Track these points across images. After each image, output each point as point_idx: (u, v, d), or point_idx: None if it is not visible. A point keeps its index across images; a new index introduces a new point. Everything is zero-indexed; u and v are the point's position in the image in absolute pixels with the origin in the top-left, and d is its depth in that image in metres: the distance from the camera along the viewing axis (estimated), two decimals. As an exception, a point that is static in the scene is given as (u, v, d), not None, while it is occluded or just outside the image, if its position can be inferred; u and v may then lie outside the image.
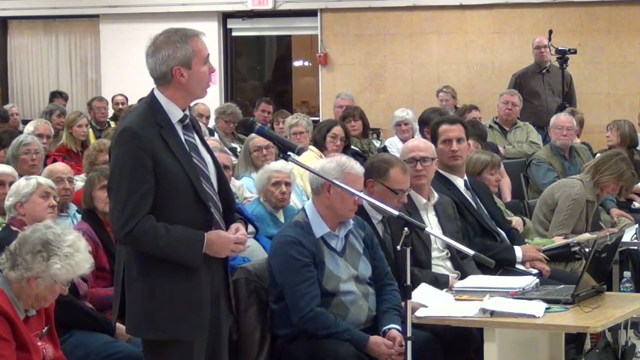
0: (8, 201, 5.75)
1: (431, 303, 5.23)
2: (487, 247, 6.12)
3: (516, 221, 7.20)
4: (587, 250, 6.79)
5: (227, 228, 4.23)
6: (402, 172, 5.69)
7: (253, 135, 5.96)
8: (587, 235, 7.05)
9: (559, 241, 7.03)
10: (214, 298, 4.20)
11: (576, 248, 6.99)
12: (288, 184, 6.87)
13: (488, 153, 7.55)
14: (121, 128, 4.16)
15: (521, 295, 5.29)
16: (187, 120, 4.21)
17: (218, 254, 4.16)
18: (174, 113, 4.16)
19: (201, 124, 7.09)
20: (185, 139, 4.17)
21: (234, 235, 4.17)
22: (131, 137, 4.05)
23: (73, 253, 4.37)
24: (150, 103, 4.17)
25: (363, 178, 5.39)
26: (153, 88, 4.21)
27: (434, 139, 6.55)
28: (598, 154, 8.63)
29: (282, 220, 6.85)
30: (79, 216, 6.70)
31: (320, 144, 8.82)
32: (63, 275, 4.35)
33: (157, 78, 4.15)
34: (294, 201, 7.51)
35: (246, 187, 7.85)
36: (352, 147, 9.41)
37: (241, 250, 4.27)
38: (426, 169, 5.98)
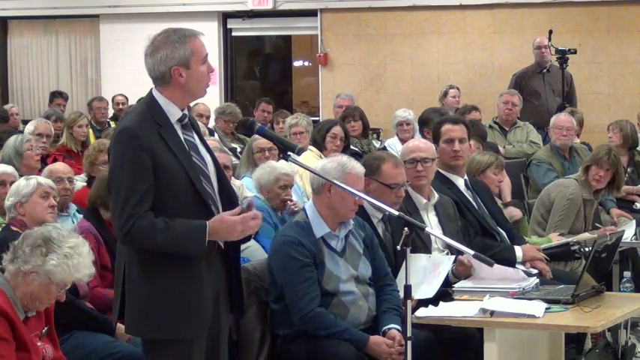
0: (8, 201, 5.74)
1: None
2: (487, 247, 6.12)
3: (509, 212, 7.18)
4: (586, 249, 6.78)
5: None
6: (394, 166, 5.69)
7: (257, 136, 5.96)
8: (586, 235, 7.05)
9: (555, 239, 7.00)
10: (214, 297, 4.20)
11: (576, 247, 6.98)
12: (291, 186, 6.90)
13: (492, 154, 7.54)
14: (119, 128, 4.16)
15: (521, 295, 5.29)
16: (186, 120, 4.21)
17: (227, 239, 4.12)
18: (173, 113, 4.16)
19: (201, 124, 7.09)
20: (184, 139, 4.17)
21: (239, 215, 4.09)
22: (130, 137, 4.04)
23: (73, 255, 4.37)
24: (148, 103, 4.17)
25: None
26: (151, 88, 4.20)
27: (435, 139, 6.55)
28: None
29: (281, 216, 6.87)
30: (79, 216, 6.71)
31: (319, 144, 8.82)
32: (58, 274, 4.35)
33: (156, 78, 4.15)
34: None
35: (246, 187, 7.85)
36: (352, 147, 9.41)
37: (252, 228, 4.14)
38: (427, 169, 5.98)
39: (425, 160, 5.98)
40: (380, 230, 5.67)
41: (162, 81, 4.14)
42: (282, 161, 7.14)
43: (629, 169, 9.32)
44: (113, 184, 4.09)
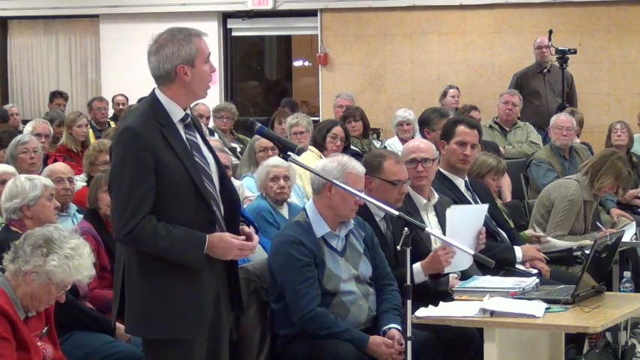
0: (12, 202, 5.64)
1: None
2: (487, 247, 6.10)
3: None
4: (587, 252, 6.77)
5: (231, 226, 4.22)
6: (396, 163, 5.70)
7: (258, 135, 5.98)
8: (587, 242, 7.02)
9: (531, 234, 6.94)
10: (215, 297, 4.20)
11: (578, 253, 6.98)
12: (286, 178, 6.88)
13: (495, 157, 7.51)
14: (121, 128, 4.17)
15: (521, 295, 5.29)
16: (189, 119, 4.21)
17: (220, 257, 4.15)
18: (176, 112, 4.16)
19: (201, 124, 7.09)
20: (187, 138, 4.17)
21: (240, 241, 4.16)
22: (132, 137, 4.05)
23: (74, 256, 4.37)
24: (151, 102, 4.17)
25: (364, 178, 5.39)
26: (154, 88, 4.20)
27: (446, 136, 6.52)
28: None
29: (286, 215, 6.86)
30: (79, 216, 6.70)
31: (320, 144, 8.82)
32: (59, 275, 4.35)
33: (160, 77, 4.15)
34: (295, 201, 7.51)
35: (246, 187, 7.85)
36: (352, 147, 9.41)
37: (246, 255, 4.27)
38: (427, 170, 5.98)
39: (425, 160, 5.98)
40: (383, 228, 5.68)
41: (166, 79, 4.14)
42: (275, 157, 7.16)
43: None
44: (114, 183, 4.09)
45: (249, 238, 4.22)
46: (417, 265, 5.47)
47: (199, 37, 4.17)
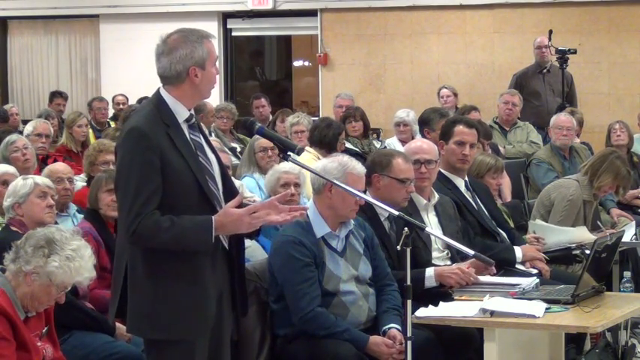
0: (6, 201, 5.74)
1: None
2: (487, 247, 6.12)
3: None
4: (587, 252, 6.78)
5: None
6: (405, 161, 5.71)
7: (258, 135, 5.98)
8: (587, 238, 7.02)
9: (530, 238, 6.96)
10: (218, 298, 4.20)
11: (577, 252, 6.98)
12: (297, 184, 6.86)
13: (492, 156, 7.53)
14: (127, 128, 4.16)
15: (521, 295, 5.29)
16: (193, 119, 4.22)
17: (236, 232, 4.11)
18: (181, 113, 4.17)
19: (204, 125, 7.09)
20: (191, 139, 4.18)
21: (243, 209, 4.09)
22: (138, 137, 4.04)
23: (75, 257, 4.38)
24: (156, 102, 4.17)
25: (366, 177, 5.39)
26: (159, 88, 4.20)
27: (445, 137, 6.53)
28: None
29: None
30: (79, 216, 6.70)
31: (332, 145, 8.66)
32: (59, 276, 4.35)
33: (170, 77, 4.15)
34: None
35: (246, 187, 7.85)
36: (352, 147, 9.42)
37: (262, 216, 4.11)
38: (430, 171, 5.98)
39: (429, 161, 5.98)
40: (387, 228, 5.68)
41: (176, 80, 4.14)
42: (287, 162, 7.13)
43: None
44: (121, 183, 4.09)
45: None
46: (429, 270, 5.48)
47: (209, 39, 4.20)
